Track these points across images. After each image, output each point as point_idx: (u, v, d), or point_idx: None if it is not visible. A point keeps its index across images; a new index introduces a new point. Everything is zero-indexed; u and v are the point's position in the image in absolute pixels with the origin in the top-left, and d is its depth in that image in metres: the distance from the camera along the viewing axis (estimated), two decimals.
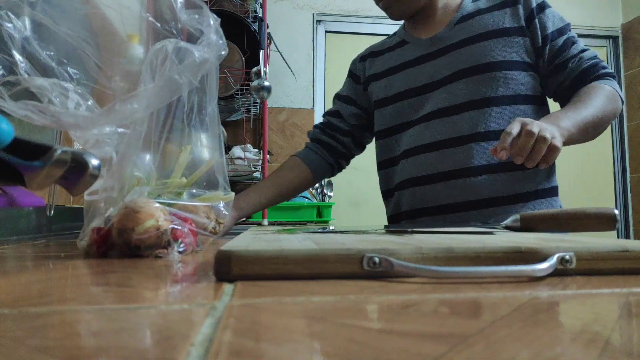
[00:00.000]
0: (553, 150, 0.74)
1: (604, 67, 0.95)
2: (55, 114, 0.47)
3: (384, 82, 1.10)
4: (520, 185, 0.94)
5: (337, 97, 1.21)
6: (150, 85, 0.51)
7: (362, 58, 1.19)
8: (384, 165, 1.11)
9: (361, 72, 1.17)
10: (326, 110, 1.27)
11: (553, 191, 0.99)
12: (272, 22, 2.62)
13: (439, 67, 1.01)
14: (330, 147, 1.16)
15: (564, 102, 0.97)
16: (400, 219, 1.06)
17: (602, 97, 0.89)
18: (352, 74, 1.20)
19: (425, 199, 0.99)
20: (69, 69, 0.55)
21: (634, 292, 0.28)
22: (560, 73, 0.96)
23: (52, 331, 0.20)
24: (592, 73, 0.94)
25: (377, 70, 1.13)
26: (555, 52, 0.95)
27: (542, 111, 0.98)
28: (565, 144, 0.80)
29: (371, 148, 1.19)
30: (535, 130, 0.73)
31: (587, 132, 0.86)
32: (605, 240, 0.38)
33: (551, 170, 0.99)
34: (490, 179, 0.93)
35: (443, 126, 0.97)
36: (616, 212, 0.56)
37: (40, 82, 0.49)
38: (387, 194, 1.12)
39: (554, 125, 0.79)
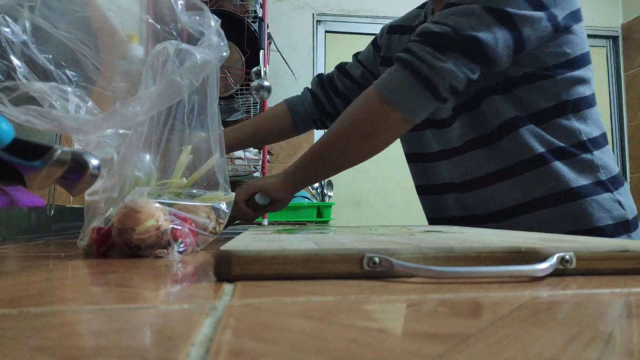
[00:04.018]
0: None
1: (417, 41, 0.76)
2: (57, 118, 0.47)
3: None
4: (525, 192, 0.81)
5: (355, 56, 1.15)
6: (152, 88, 0.51)
7: (390, 30, 1.08)
8: (412, 159, 1.02)
9: (384, 46, 1.07)
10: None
11: (600, 186, 0.79)
12: (272, 22, 2.62)
13: None
14: (321, 104, 1.13)
15: None
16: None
17: (347, 117, 0.80)
18: (375, 42, 1.11)
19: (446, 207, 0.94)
20: (67, 71, 0.55)
21: (634, 292, 0.28)
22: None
23: (52, 331, 0.20)
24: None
25: (393, 54, 1.02)
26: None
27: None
28: (295, 188, 0.87)
29: None
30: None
31: (322, 162, 0.82)
32: (605, 240, 0.38)
33: (592, 166, 0.80)
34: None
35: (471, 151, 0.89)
36: None
37: (39, 86, 0.49)
38: (421, 190, 1.02)
39: (277, 177, 0.87)
